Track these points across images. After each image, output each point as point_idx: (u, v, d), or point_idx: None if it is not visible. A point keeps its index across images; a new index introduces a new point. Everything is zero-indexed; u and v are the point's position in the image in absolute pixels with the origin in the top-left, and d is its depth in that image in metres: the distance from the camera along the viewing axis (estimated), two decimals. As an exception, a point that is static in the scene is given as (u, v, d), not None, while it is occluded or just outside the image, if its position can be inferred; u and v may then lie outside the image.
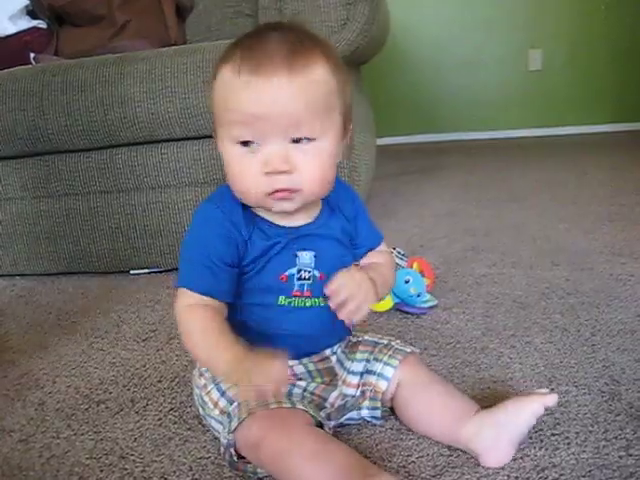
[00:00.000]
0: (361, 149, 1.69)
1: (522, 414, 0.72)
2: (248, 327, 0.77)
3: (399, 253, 1.27)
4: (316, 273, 0.78)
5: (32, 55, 1.86)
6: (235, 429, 0.71)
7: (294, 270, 0.77)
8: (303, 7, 1.57)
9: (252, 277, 0.76)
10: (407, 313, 1.21)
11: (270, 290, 0.77)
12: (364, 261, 0.87)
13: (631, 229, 1.67)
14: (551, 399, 0.73)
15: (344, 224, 0.83)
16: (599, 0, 3.77)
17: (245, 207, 0.76)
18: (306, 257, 0.77)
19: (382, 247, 0.90)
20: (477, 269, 1.44)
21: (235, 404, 0.74)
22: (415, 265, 1.28)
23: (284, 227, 0.77)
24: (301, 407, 0.72)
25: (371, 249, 0.88)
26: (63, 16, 2.01)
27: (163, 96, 1.47)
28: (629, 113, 3.92)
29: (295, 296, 0.77)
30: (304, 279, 0.77)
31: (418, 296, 1.20)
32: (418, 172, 2.94)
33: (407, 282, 1.20)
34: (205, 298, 0.73)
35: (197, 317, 0.73)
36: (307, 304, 0.78)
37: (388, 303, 1.23)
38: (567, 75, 3.95)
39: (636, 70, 3.85)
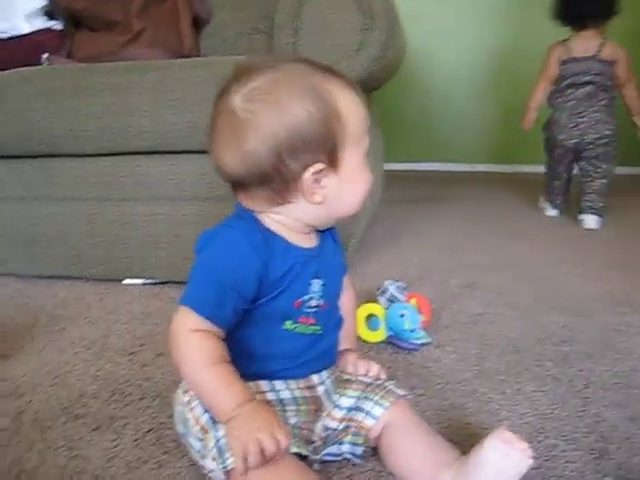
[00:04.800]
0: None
1: (485, 465, 0.69)
2: (240, 346, 0.77)
3: (399, 287, 1.25)
4: (322, 302, 0.79)
5: (44, 56, 1.86)
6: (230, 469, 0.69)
7: (307, 297, 0.78)
8: (319, 29, 1.56)
9: (265, 303, 0.75)
10: (399, 347, 1.19)
11: (281, 315, 0.77)
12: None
13: (632, 277, 1.65)
14: (507, 452, 0.69)
15: (333, 246, 0.85)
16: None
17: (261, 229, 0.75)
18: (316, 285, 0.79)
19: (347, 277, 0.93)
20: (473, 307, 1.42)
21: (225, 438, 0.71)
22: (413, 301, 1.26)
23: (298, 247, 0.77)
24: (294, 450, 0.71)
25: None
26: (80, 19, 2.01)
27: (171, 107, 1.46)
28: (635, 157, 3.91)
29: (301, 322, 0.78)
30: (312, 307, 0.78)
31: (412, 331, 1.18)
32: (424, 200, 2.93)
33: (402, 316, 1.18)
34: (207, 322, 0.72)
35: (203, 346, 0.71)
36: (308, 331, 0.79)
37: (381, 335, 1.21)
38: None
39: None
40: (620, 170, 3.66)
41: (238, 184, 0.76)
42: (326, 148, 0.72)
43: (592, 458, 0.83)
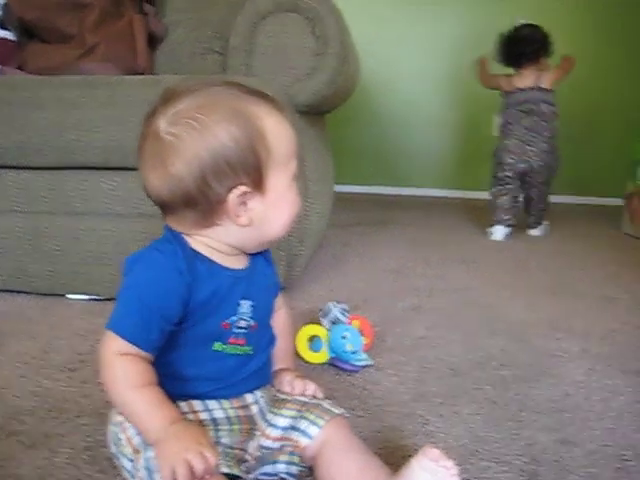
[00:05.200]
0: (315, 198, 1.69)
1: None
2: (170, 368, 0.77)
3: (342, 309, 1.27)
4: (252, 322, 0.80)
5: (-5, 66, 1.84)
6: None
7: (235, 318, 0.78)
8: (272, 52, 1.58)
9: (192, 326, 0.75)
10: (340, 369, 1.20)
11: (210, 337, 0.77)
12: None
13: (571, 303, 1.70)
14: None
15: (265, 267, 0.85)
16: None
17: (186, 252, 0.75)
18: (245, 306, 0.79)
19: (280, 296, 0.94)
20: (416, 330, 1.44)
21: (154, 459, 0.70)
22: (356, 323, 1.27)
23: (225, 268, 0.77)
24: (225, 470, 0.70)
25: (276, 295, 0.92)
26: (32, 30, 1.99)
27: (121, 124, 1.45)
28: (582, 187, 4.05)
29: (230, 343, 0.78)
30: (241, 327, 0.79)
31: (353, 353, 1.19)
32: (373, 224, 2.96)
33: (344, 338, 1.19)
34: (131, 346, 0.71)
35: (129, 369, 0.71)
36: (238, 352, 0.79)
37: (323, 356, 1.22)
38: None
39: (591, 146, 4.00)
40: (562, 199, 3.79)
41: (165, 206, 0.76)
42: (251, 171, 0.72)
43: (522, 480, 0.85)
